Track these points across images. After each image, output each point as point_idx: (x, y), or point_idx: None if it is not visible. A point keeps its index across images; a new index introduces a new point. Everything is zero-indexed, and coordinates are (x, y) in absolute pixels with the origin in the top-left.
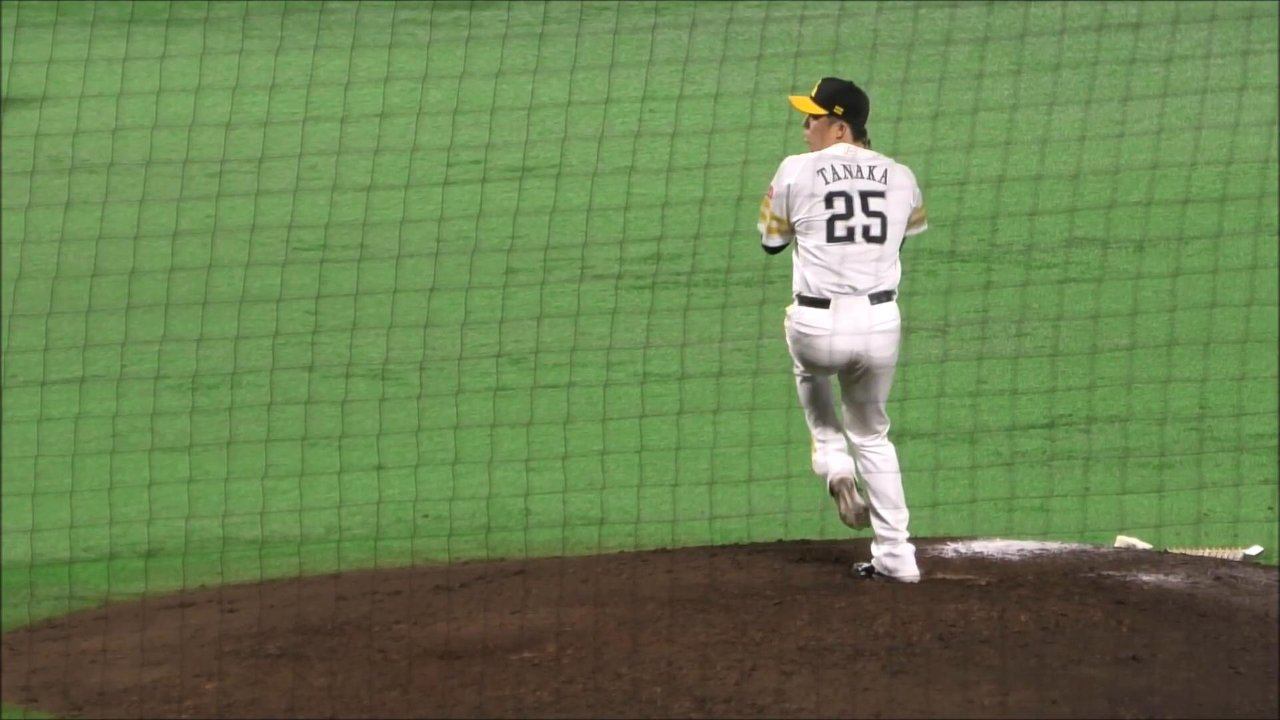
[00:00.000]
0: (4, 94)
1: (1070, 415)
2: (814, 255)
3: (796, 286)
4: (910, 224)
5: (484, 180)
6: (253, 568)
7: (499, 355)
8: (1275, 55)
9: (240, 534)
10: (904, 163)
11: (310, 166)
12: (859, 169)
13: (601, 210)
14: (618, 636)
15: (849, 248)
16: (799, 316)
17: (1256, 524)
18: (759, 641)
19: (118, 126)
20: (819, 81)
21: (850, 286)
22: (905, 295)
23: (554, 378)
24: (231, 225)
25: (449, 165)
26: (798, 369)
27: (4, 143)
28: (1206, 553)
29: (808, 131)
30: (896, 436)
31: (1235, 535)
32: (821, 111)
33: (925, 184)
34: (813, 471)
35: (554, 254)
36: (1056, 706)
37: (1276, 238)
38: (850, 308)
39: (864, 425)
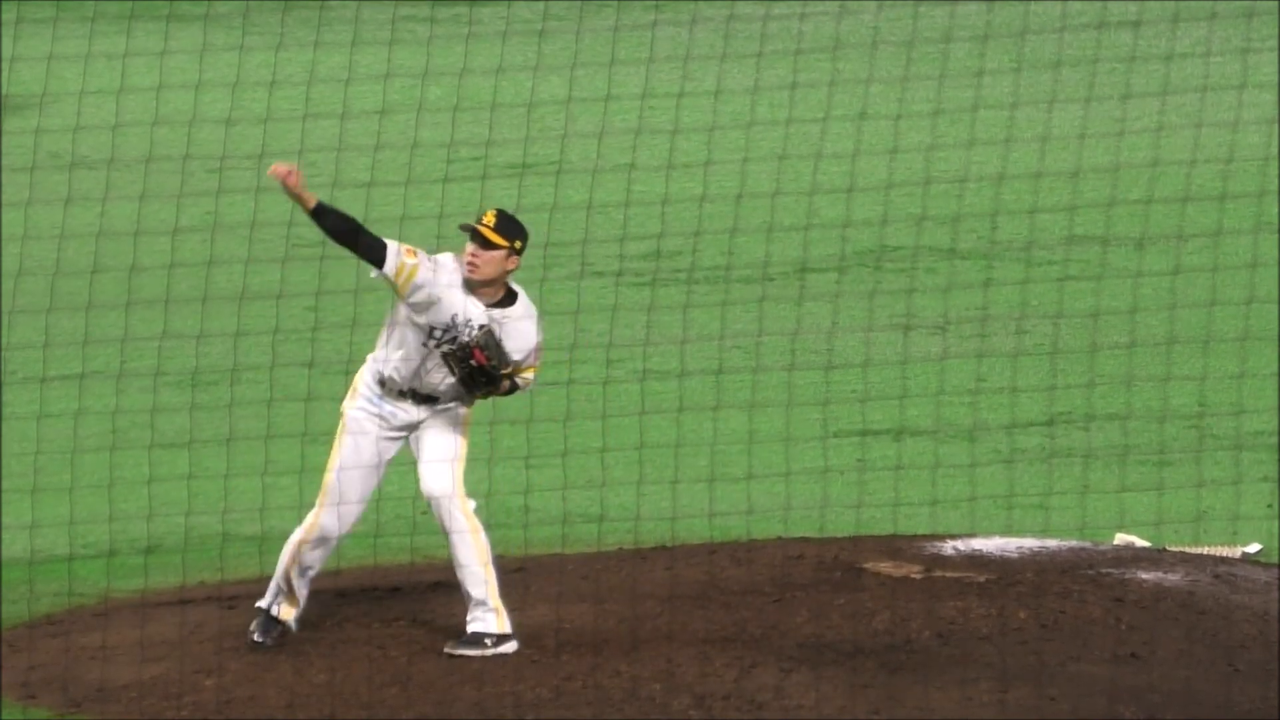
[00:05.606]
0: (4, 90)
1: (1070, 413)
2: None
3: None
4: None
5: (484, 177)
6: (252, 564)
7: None
8: (1275, 53)
9: (240, 530)
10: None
11: (310, 163)
12: None
13: (602, 207)
14: (617, 633)
15: None
16: None
17: (1256, 521)
18: (758, 638)
19: (118, 123)
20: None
21: None
22: (906, 292)
23: (554, 374)
24: (232, 221)
25: (449, 162)
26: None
27: (4, 139)
28: (1206, 550)
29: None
30: (897, 434)
31: (1235, 533)
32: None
33: (926, 181)
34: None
35: (554, 251)
36: (1055, 704)
37: (1276, 235)
38: None
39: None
